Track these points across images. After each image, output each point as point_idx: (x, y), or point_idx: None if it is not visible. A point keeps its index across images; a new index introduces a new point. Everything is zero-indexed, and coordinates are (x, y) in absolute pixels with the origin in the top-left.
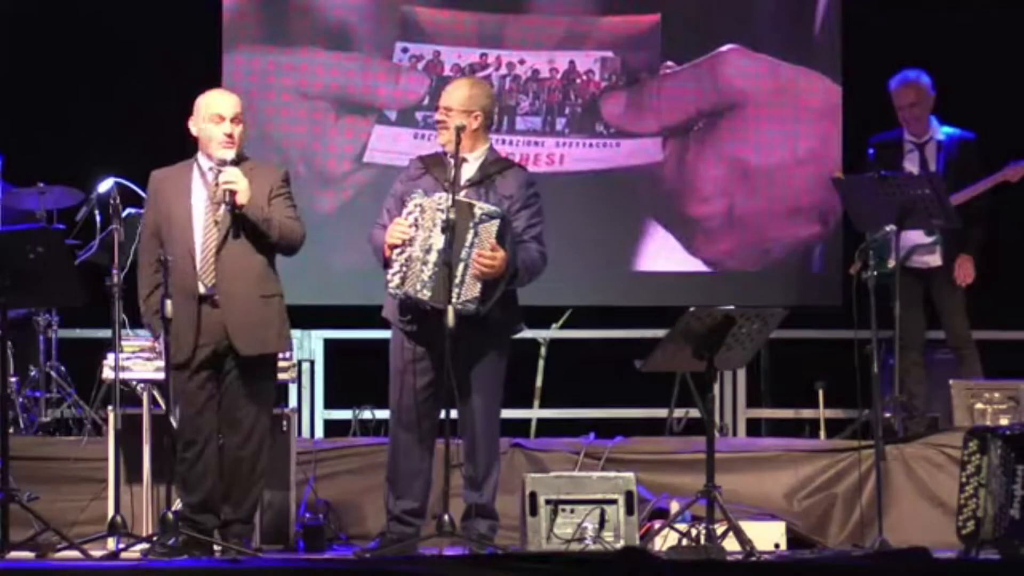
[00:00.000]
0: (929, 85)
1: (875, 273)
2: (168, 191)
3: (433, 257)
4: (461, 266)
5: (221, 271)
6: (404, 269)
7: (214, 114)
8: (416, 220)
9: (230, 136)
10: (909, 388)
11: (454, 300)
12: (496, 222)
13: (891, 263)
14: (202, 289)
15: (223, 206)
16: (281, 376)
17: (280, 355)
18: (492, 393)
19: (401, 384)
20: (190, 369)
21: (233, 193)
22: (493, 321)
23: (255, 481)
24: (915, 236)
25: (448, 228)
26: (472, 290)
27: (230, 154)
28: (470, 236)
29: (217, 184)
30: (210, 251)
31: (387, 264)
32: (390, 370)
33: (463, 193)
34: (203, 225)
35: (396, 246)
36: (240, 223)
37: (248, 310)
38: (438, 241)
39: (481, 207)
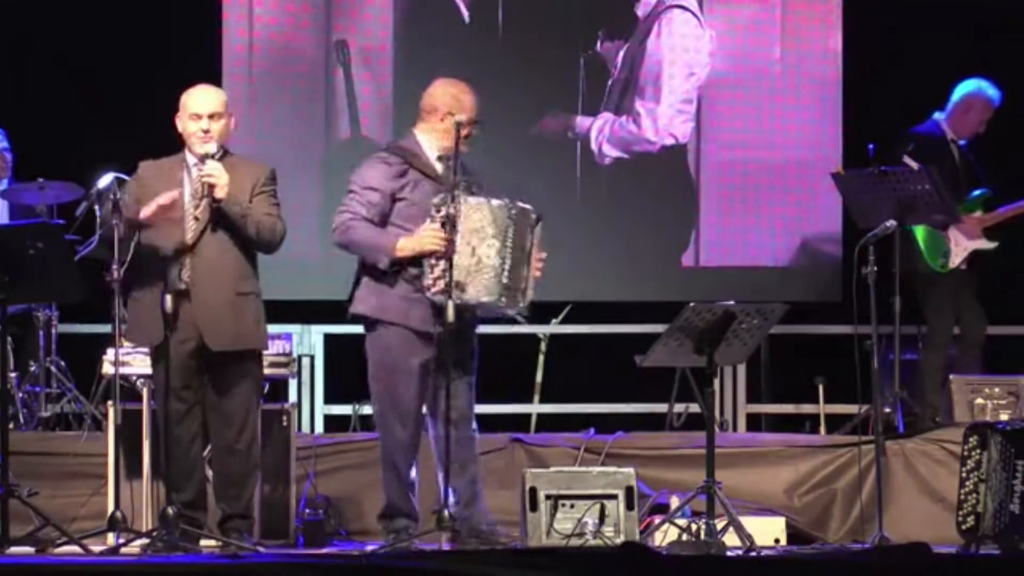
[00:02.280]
0: None
1: (874, 268)
2: (159, 184)
3: (493, 263)
4: (525, 269)
5: (196, 266)
6: (447, 275)
7: (192, 113)
8: (451, 225)
9: (206, 132)
10: (932, 386)
11: (521, 303)
12: (541, 224)
13: (949, 263)
14: (180, 284)
15: (202, 200)
16: (280, 371)
17: (280, 351)
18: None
19: (402, 383)
20: (169, 362)
21: (212, 187)
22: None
23: (250, 473)
24: (979, 241)
25: (449, 223)
26: (532, 293)
27: (211, 148)
28: (529, 241)
29: (200, 180)
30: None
31: (396, 264)
32: (383, 368)
33: (502, 201)
34: (187, 221)
35: (432, 252)
36: (218, 217)
37: (221, 306)
38: (491, 247)
39: (532, 211)
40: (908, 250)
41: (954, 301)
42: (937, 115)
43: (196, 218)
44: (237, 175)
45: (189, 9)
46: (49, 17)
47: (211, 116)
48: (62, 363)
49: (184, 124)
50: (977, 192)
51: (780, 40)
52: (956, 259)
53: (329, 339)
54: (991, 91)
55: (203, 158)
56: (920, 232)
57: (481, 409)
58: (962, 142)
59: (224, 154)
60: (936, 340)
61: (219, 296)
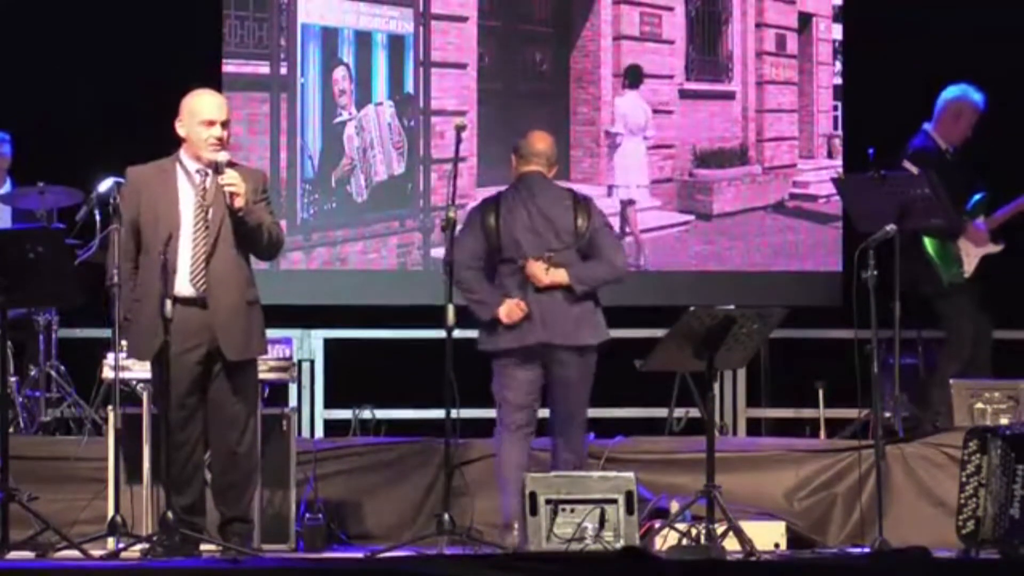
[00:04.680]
0: None
1: (874, 273)
2: (152, 190)
3: None
4: None
5: (212, 275)
6: None
7: (204, 119)
8: (451, 229)
9: (220, 139)
10: (944, 395)
11: None
12: None
13: (964, 272)
14: (191, 292)
15: (210, 208)
16: (281, 376)
17: (280, 355)
18: None
19: None
20: (172, 368)
21: (234, 196)
22: None
23: (250, 477)
24: (990, 245)
25: (450, 228)
26: None
27: (224, 156)
28: None
29: (205, 187)
30: (200, 255)
31: None
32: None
33: None
34: (192, 227)
35: None
36: (237, 227)
37: (235, 315)
38: None
39: None
40: (920, 264)
41: (972, 309)
42: (926, 126)
43: (206, 227)
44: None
45: (189, 11)
46: (49, 20)
47: (223, 123)
48: (62, 367)
49: (191, 129)
50: (977, 197)
51: (779, 42)
52: (970, 267)
53: (329, 344)
54: (976, 95)
55: (213, 165)
56: (930, 245)
57: (481, 414)
58: (954, 149)
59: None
60: (958, 350)
61: (232, 305)
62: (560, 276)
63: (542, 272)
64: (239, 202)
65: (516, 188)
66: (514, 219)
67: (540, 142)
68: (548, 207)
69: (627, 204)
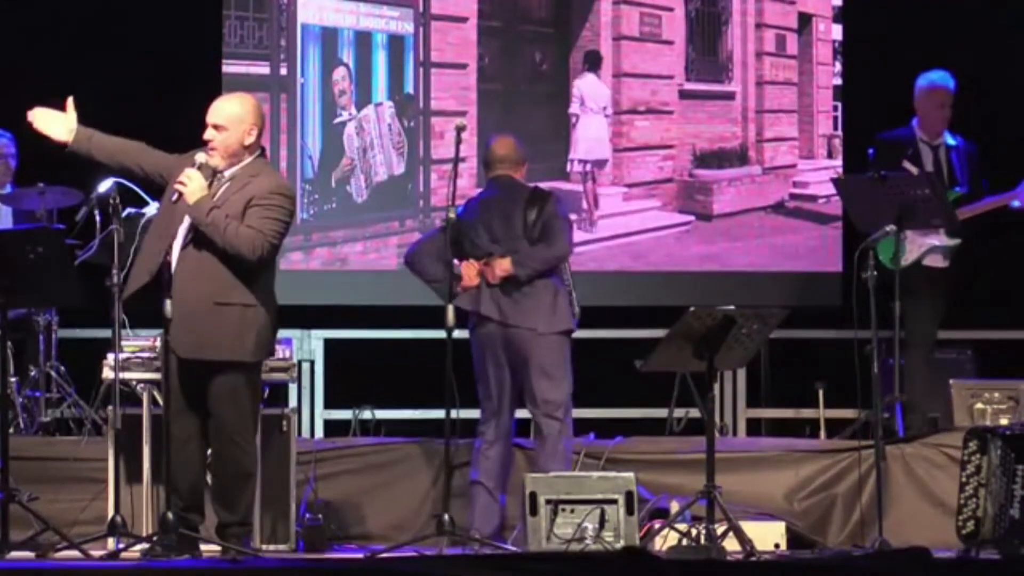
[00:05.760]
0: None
1: (874, 273)
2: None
3: None
4: None
5: (181, 270)
6: None
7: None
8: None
9: (208, 142)
10: (919, 389)
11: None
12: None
13: (901, 260)
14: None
15: None
16: (281, 376)
17: (280, 355)
18: None
19: None
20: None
21: (180, 194)
22: None
23: (242, 481)
24: (935, 237)
25: (450, 228)
26: None
27: (203, 157)
28: None
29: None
30: (178, 249)
31: None
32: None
33: None
34: (188, 222)
35: None
36: (191, 225)
37: (193, 314)
38: None
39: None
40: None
41: (930, 301)
42: (914, 120)
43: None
44: (248, 186)
45: (189, 11)
46: (50, 20)
47: (215, 127)
48: (62, 368)
49: None
50: (951, 191)
51: (778, 42)
52: (911, 256)
53: (329, 344)
54: (931, 77)
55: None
56: None
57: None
58: (954, 142)
59: (259, 155)
60: (913, 341)
61: (193, 304)
62: (504, 265)
63: (489, 270)
64: (188, 199)
65: (485, 191)
66: (472, 218)
67: (501, 148)
68: (506, 203)
69: (589, 174)
